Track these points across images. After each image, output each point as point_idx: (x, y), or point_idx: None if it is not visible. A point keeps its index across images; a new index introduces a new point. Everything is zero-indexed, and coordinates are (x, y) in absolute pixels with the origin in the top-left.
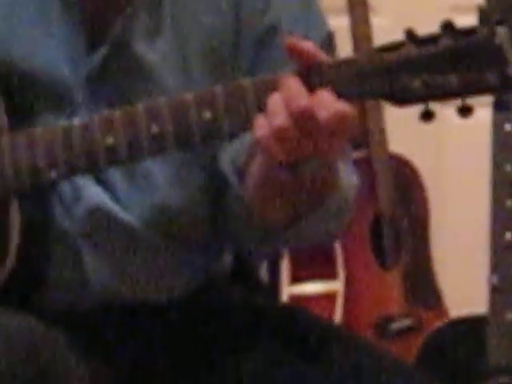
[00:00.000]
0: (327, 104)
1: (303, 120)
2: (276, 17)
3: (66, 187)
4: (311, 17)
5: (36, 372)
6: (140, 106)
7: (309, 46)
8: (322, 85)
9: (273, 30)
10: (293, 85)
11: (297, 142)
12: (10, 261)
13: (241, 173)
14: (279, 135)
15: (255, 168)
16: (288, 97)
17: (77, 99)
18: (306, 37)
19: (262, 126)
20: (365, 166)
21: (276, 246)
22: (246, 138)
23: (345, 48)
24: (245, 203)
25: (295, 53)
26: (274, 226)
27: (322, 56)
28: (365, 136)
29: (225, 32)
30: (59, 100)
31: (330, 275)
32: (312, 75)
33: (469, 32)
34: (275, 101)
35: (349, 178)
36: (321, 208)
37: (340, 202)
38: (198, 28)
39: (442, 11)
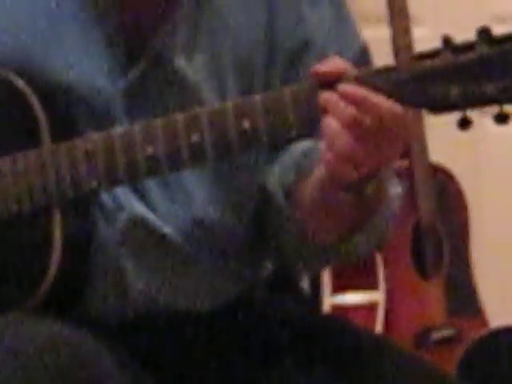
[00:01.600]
0: (373, 107)
1: (362, 132)
2: (309, 32)
3: (106, 198)
4: (345, 31)
5: (79, 381)
6: (179, 116)
7: (333, 65)
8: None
9: (306, 45)
10: (336, 100)
11: (362, 155)
12: (52, 272)
13: (289, 192)
14: (345, 155)
15: (312, 191)
16: (338, 114)
17: (115, 112)
18: (340, 52)
19: (325, 153)
20: (405, 176)
21: (325, 263)
22: (294, 158)
23: (385, 59)
24: (295, 222)
25: (321, 77)
26: (325, 244)
27: (350, 70)
28: (406, 151)
29: (258, 46)
30: (98, 113)
31: (371, 285)
32: (337, 89)
33: (505, 39)
34: (328, 123)
35: (394, 189)
36: (370, 222)
37: (387, 213)
38: (233, 42)
39: (482, 20)
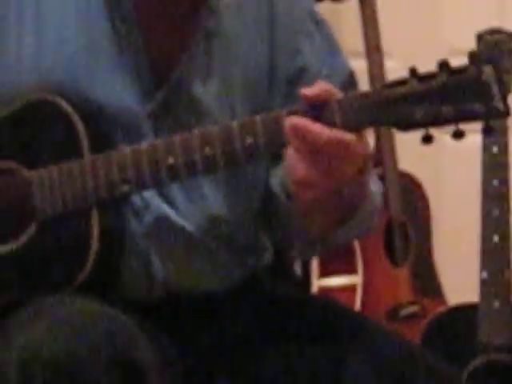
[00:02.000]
0: (314, 136)
1: (312, 159)
2: (305, 61)
3: (136, 199)
4: (335, 59)
5: (113, 353)
6: (195, 133)
7: (319, 89)
8: (332, 117)
9: (302, 73)
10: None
11: (314, 178)
12: (91, 261)
13: (289, 194)
14: (298, 179)
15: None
16: (291, 143)
17: (143, 130)
18: (331, 76)
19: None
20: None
21: (316, 251)
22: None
23: (363, 86)
24: (294, 218)
25: (310, 100)
26: (318, 235)
27: (335, 93)
28: (378, 157)
29: (262, 73)
30: (129, 130)
31: (351, 271)
32: (324, 110)
33: (461, 70)
34: (291, 154)
35: (375, 188)
36: (355, 216)
37: (370, 208)
38: (241, 70)
39: (442, 54)
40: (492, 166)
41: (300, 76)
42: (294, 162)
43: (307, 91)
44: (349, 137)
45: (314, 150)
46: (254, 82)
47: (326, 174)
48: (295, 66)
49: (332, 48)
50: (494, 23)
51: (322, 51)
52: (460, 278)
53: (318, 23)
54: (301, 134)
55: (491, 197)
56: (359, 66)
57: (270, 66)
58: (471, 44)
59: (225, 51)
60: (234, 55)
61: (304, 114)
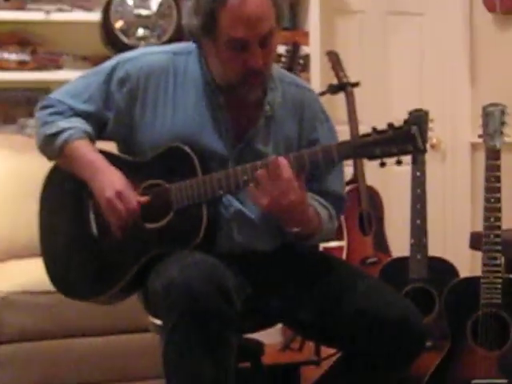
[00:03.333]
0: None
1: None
2: (318, 135)
3: (224, 199)
4: (333, 135)
5: (215, 286)
6: (242, 167)
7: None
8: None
9: (316, 141)
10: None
11: (283, 209)
12: (202, 232)
13: None
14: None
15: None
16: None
17: (229, 164)
18: (331, 139)
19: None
20: (355, 192)
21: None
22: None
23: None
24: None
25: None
26: (300, 238)
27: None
28: (355, 177)
29: (293, 140)
30: (221, 163)
31: (341, 238)
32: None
33: (400, 128)
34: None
35: (328, 224)
36: (316, 236)
37: (325, 234)
38: (283, 137)
39: (391, 120)
40: (416, 181)
41: (314, 143)
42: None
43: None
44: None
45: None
46: (290, 144)
47: (277, 203)
48: (312, 137)
49: (331, 129)
50: (418, 104)
51: (325, 131)
52: (399, 242)
53: (325, 115)
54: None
55: (416, 198)
56: (345, 129)
57: (298, 136)
58: (405, 115)
59: (275, 127)
60: (280, 129)
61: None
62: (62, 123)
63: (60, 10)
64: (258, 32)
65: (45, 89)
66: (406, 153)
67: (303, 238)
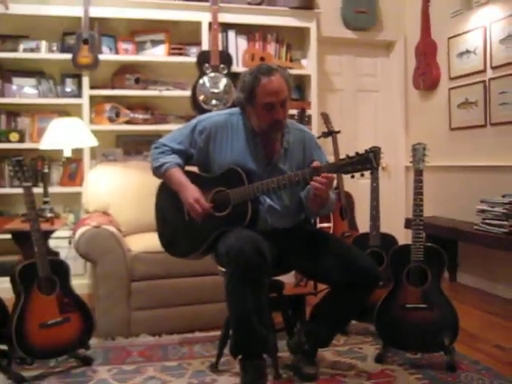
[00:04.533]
0: (325, 176)
1: (325, 181)
2: (315, 157)
3: (261, 198)
4: (323, 157)
5: (256, 249)
6: (280, 177)
7: (318, 163)
8: (326, 169)
9: (313, 161)
10: (319, 179)
11: (324, 188)
12: (248, 218)
13: (306, 197)
14: (324, 186)
15: (310, 197)
16: (317, 180)
17: (263, 178)
18: (321, 159)
19: (316, 188)
20: (338, 194)
21: (318, 216)
22: (307, 188)
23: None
24: (307, 205)
25: (315, 167)
26: (314, 212)
27: (321, 165)
28: (338, 185)
29: (300, 161)
30: (259, 178)
31: (329, 221)
32: (321, 169)
33: (363, 154)
34: (319, 178)
35: (332, 195)
36: (327, 205)
37: (331, 202)
38: (295, 159)
39: (359, 149)
40: (373, 188)
41: (313, 160)
42: (317, 186)
43: (315, 164)
44: (333, 177)
45: (324, 182)
46: (298, 164)
47: (327, 188)
48: (311, 159)
49: (321, 154)
50: (374, 143)
51: (318, 155)
52: (363, 224)
53: (318, 145)
54: (325, 176)
55: (373, 198)
56: (331, 157)
57: (302, 159)
58: (367, 146)
59: (289, 154)
60: (292, 156)
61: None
62: (163, 159)
63: (167, 89)
64: (280, 98)
65: (158, 135)
66: (366, 169)
67: (324, 201)
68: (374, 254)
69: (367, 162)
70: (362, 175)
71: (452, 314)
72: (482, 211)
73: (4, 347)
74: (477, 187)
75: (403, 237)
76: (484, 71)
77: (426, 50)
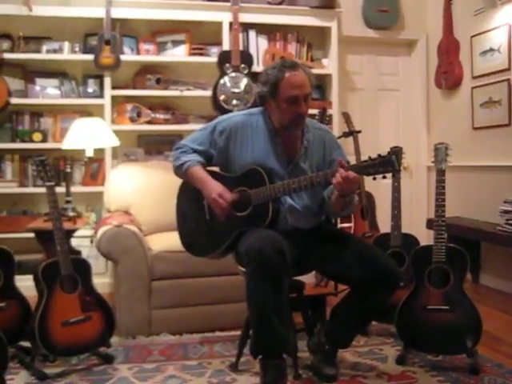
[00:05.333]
0: (350, 174)
1: (347, 179)
2: (333, 157)
3: (282, 198)
4: (343, 156)
5: (276, 248)
6: (301, 178)
7: (341, 162)
8: (348, 169)
9: (334, 160)
10: (342, 172)
11: (348, 187)
12: (269, 218)
13: (329, 196)
14: (346, 183)
15: (333, 197)
16: (341, 175)
17: (285, 178)
18: (343, 158)
19: (339, 183)
20: (359, 194)
21: (339, 216)
22: (329, 187)
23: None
24: (329, 205)
25: (340, 163)
26: (337, 212)
27: (346, 163)
28: (359, 186)
29: (320, 159)
30: (280, 177)
31: (350, 221)
32: (344, 167)
33: (385, 156)
34: (338, 174)
35: (355, 198)
36: (349, 206)
37: (354, 204)
38: (315, 159)
39: (380, 151)
40: (395, 188)
41: (331, 162)
42: (341, 183)
43: (340, 161)
44: (355, 176)
45: (348, 181)
46: (318, 163)
47: (350, 187)
48: (330, 159)
49: (341, 153)
50: (396, 143)
51: (338, 154)
52: (384, 224)
53: (338, 145)
54: (345, 175)
55: (394, 198)
56: (353, 158)
57: (322, 158)
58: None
59: (310, 153)
60: (312, 154)
61: (343, 169)
62: (184, 158)
63: (188, 89)
64: (304, 92)
65: (179, 135)
66: (387, 172)
67: (347, 203)
68: (395, 254)
69: (389, 164)
70: (384, 177)
71: (475, 315)
72: (506, 212)
73: (27, 344)
74: (500, 187)
75: (425, 237)
76: (508, 69)
77: (449, 49)
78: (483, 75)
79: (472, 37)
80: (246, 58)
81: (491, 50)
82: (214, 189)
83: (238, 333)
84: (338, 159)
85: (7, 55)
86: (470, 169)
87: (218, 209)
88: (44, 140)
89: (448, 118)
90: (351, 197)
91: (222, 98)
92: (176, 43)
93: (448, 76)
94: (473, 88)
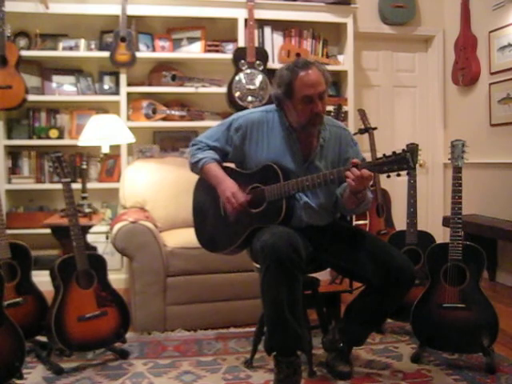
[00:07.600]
0: (364, 173)
1: (360, 178)
2: (349, 155)
3: (297, 195)
4: (359, 153)
5: (290, 245)
6: (315, 175)
7: (356, 160)
8: (361, 168)
9: (348, 158)
10: (355, 170)
11: (361, 185)
12: (282, 215)
13: (342, 194)
14: (359, 182)
15: (346, 194)
16: (354, 173)
17: (300, 175)
18: (358, 157)
19: (353, 180)
20: (374, 192)
21: (353, 213)
22: (342, 186)
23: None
24: (343, 203)
25: (353, 164)
26: (351, 209)
27: (359, 162)
28: (374, 182)
29: (336, 157)
30: (296, 175)
31: (365, 219)
32: (358, 166)
33: (400, 154)
34: (351, 173)
35: (369, 193)
36: (363, 203)
37: (368, 201)
38: (330, 156)
39: (395, 149)
40: (410, 186)
41: (347, 159)
42: (354, 181)
43: (354, 160)
44: (371, 174)
45: (361, 179)
46: (333, 160)
47: (363, 184)
48: (346, 156)
49: (357, 151)
50: (411, 140)
51: (354, 152)
52: (400, 222)
53: (354, 142)
54: (359, 174)
55: (410, 196)
56: (368, 155)
57: (338, 156)
58: (403, 146)
59: (325, 151)
60: (328, 152)
61: (358, 167)
62: (200, 155)
63: (203, 86)
64: (318, 90)
65: (194, 132)
66: (402, 169)
67: (360, 200)
68: (410, 251)
69: (404, 161)
70: (399, 175)
71: (491, 314)
72: None
73: (44, 339)
74: None
75: (441, 235)
76: None
77: (466, 45)
78: (501, 71)
79: (490, 32)
80: (262, 55)
81: (510, 45)
82: (228, 187)
83: (253, 329)
84: (352, 161)
85: (24, 52)
86: (486, 166)
87: (230, 208)
88: (60, 137)
89: (465, 115)
90: (364, 193)
91: (237, 94)
92: (191, 40)
93: (465, 72)
94: (490, 84)
